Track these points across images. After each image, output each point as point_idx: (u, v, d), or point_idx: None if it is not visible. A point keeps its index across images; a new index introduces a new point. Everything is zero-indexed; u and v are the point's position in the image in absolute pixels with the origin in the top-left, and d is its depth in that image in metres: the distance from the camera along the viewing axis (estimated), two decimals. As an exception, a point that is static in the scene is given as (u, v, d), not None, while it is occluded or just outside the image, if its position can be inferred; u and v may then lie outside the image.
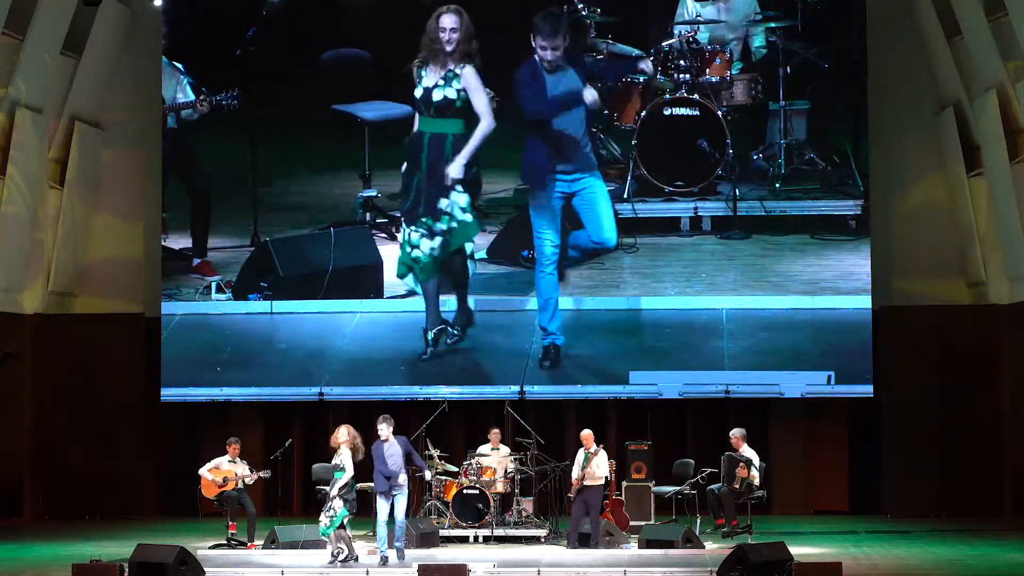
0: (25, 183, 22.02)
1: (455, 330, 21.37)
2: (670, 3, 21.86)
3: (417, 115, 20.75)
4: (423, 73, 20.51)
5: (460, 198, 20.77)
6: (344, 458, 16.88)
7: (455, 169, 20.62)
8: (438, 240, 20.87)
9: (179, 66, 22.16)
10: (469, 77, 20.39)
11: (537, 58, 20.21)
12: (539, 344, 21.29)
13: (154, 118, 22.57)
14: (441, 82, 20.43)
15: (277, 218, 22.12)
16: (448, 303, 21.36)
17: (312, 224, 22.08)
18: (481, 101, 20.46)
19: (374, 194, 21.94)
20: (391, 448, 16.94)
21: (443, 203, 20.78)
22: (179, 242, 22.36)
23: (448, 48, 20.35)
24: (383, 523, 16.87)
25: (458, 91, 20.41)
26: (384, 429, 17.03)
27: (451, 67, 20.38)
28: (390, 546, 16.81)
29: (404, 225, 21.09)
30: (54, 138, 22.70)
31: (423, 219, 20.86)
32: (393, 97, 21.64)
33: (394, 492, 16.84)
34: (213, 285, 22.08)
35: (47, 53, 22.05)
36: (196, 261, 22.24)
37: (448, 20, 20.38)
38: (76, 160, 22.87)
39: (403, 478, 16.87)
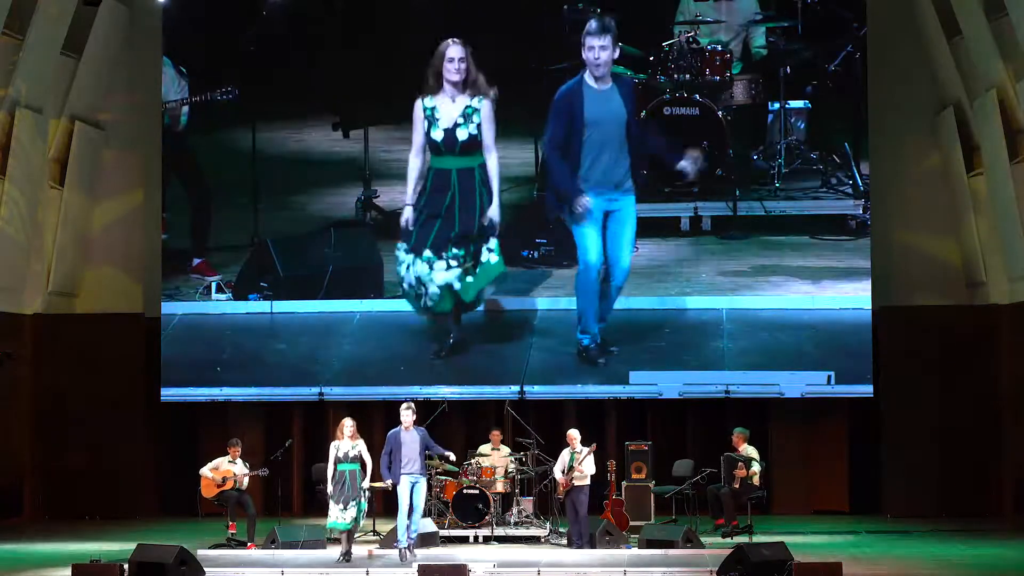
0: (25, 183, 22.02)
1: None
2: (670, 3, 21.86)
3: (430, 154, 20.50)
4: (436, 114, 20.38)
5: (492, 240, 20.76)
6: (363, 450, 17.26)
7: (494, 211, 20.60)
8: (456, 273, 20.80)
9: (183, 69, 22.15)
10: (486, 111, 20.37)
11: (587, 73, 20.23)
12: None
13: (154, 118, 22.56)
14: (461, 120, 20.38)
15: (277, 218, 22.12)
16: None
17: (312, 224, 22.08)
18: (491, 134, 20.47)
19: (374, 194, 21.94)
20: (409, 436, 17.19)
21: (474, 241, 20.73)
22: (179, 242, 22.36)
23: (457, 77, 20.31)
24: (405, 513, 17.10)
25: (477, 125, 20.40)
26: (408, 417, 17.25)
27: (468, 103, 20.34)
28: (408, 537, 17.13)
29: (416, 252, 20.80)
30: (54, 138, 22.70)
31: (451, 251, 20.75)
32: (394, 96, 21.60)
33: (412, 480, 17.12)
34: (213, 285, 22.08)
35: (47, 53, 22.05)
36: (196, 261, 22.25)
37: (454, 51, 20.31)
38: (76, 160, 22.87)
39: (419, 466, 17.20)
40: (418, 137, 20.60)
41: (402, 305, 21.70)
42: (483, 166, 20.53)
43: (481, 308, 21.42)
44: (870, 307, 21.39)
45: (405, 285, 20.99)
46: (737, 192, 21.59)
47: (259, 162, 22.11)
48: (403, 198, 21.57)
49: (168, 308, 22.15)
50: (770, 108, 21.78)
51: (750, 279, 21.53)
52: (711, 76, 21.61)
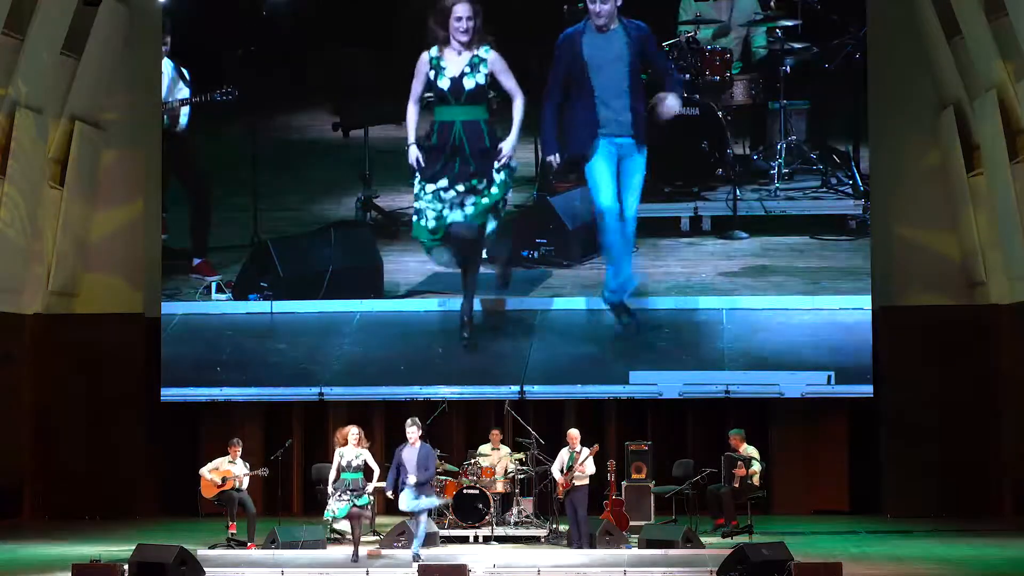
0: (25, 183, 22.03)
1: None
2: (670, 3, 21.86)
3: (437, 105, 20.61)
4: (442, 63, 20.48)
5: (504, 172, 20.80)
6: (368, 458, 17.28)
7: (509, 146, 20.58)
8: (486, 202, 20.83)
9: (184, 70, 22.15)
10: (495, 60, 20.46)
11: (593, 20, 20.37)
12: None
13: (154, 118, 22.57)
14: (468, 69, 20.44)
15: (277, 218, 22.12)
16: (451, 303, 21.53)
17: (312, 224, 22.08)
18: (511, 80, 20.50)
19: (374, 194, 21.94)
20: (412, 453, 17.19)
21: (486, 179, 20.72)
22: (179, 242, 22.36)
23: (464, 38, 20.38)
24: (412, 521, 17.17)
25: (486, 75, 20.45)
26: (411, 432, 17.24)
27: (474, 52, 20.40)
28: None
29: (435, 195, 20.74)
30: (54, 138, 22.70)
31: (468, 194, 20.75)
32: (393, 96, 21.61)
33: (414, 496, 17.11)
34: (213, 285, 22.08)
35: (47, 53, 22.05)
36: (196, 261, 22.25)
37: (462, 9, 20.38)
38: (76, 160, 22.87)
39: (415, 480, 17.09)
40: (418, 87, 20.65)
41: (402, 305, 21.73)
42: (488, 121, 20.55)
43: (481, 308, 21.48)
44: (870, 307, 21.39)
45: (431, 221, 20.87)
46: (737, 192, 21.60)
47: (259, 162, 22.11)
48: (404, 198, 21.65)
49: (168, 308, 22.15)
50: (770, 108, 21.78)
51: (750, 279, 21.52)
52: (711, 76, 21.61)
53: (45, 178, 22.61)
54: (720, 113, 21.53)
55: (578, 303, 21.48)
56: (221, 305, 22.02)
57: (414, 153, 20.71)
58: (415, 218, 21.05)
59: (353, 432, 17.37)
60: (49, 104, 22.40)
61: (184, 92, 22.16)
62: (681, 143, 21.38)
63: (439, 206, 20.78)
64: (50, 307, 22.91)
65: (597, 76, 20.46)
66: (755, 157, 21.91)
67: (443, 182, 20.75)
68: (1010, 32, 20.49)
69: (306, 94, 22.22)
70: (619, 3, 20.44)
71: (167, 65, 22.25)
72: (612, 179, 20.65)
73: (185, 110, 22.17)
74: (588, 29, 20.49)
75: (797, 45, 21.56)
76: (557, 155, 20.63)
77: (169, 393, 22.03)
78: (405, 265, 21.69)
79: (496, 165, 20.68)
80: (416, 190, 20.96)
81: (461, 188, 20.73)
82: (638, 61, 20.57)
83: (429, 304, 21.68)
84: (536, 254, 21.67)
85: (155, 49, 22.52)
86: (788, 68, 21.54)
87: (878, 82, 21.82)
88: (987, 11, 20.94)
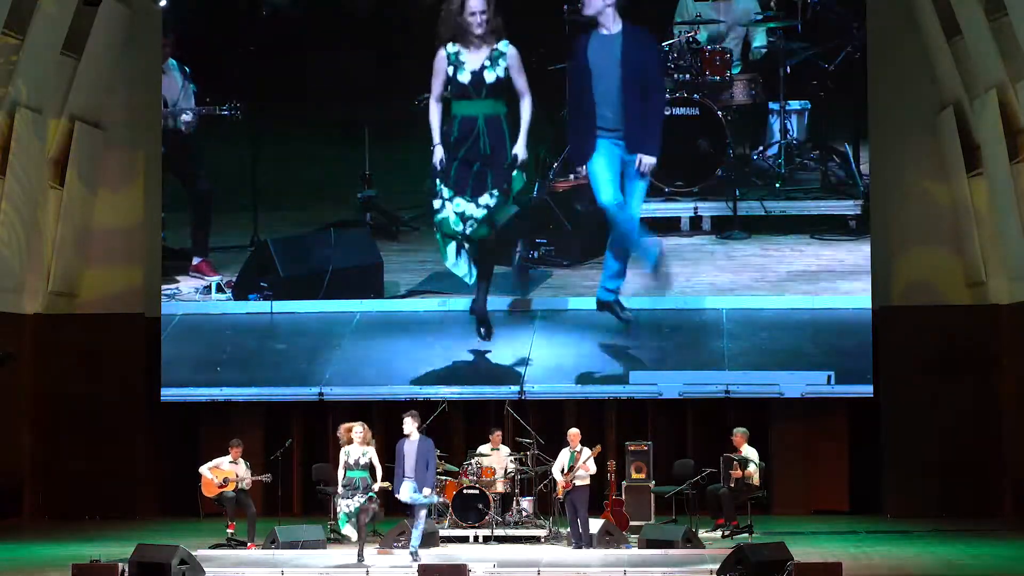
0: (25, 183, 22.02)
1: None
2: (670, 3, 21.87)
3: (455, 99, 20.57)
4: (461, 58, 20.42)
5: (519, 177, 20.83)
6: (373, 456, 17.09)
7: (522, 149, 20.60)
8: (496, 200, 20.82)
9: (187, 70, 22.15)
10: (513, 56, 20.43)
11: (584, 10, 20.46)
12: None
13: (154, 118, 22.57)
14: (488, 63, 20.39)
15: (277, 218, 22.13)
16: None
17: (312, 224, 22.09)
18: (523, 80, 20.51)
19: (374, 194, 21.95)
20: (409, 446, 17.10)
21: (502, 183, 20.76)
22: (179, 242, 22.36)
23: (480, 31, 20.32)
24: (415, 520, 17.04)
25: (505, 69, 20.40)
26: (407, 425, 17.14)
27: (493, 46, 20.35)
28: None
29: (451, 201, 20.79)
30: (54, 138, 22.70)
31: (482, 195, 20.76)
32: (394, 96, 21.63)
33: (412, 488, 17.01)
34: (213, 285, 22.08)
35: (47, 53, 22.04)
36: (196, 261, 22.25)
37: (475, 4, 20.33)
38: (76, 160, 22.87)
39: (422, 477, 16.99)
40: (438, 86, 20.65)
41: (402, 305, 21.74)
42: (508, 115, 20.52)
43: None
44: (870, 307, 21.40)
45: (447, 225, 20.86)
46: (737, 192, 21.60)
47: (259, 162, 22.12)
48: (403, 198, 21.64)
49: (168, 308, 22.15)
50: (770, 108, 21.79)
51: (750, 279, 21.52)
52: (711, 76, 21.62)
53: (45, 178, 22.61)
54: (720, 113, 21.53)
55: (578, 303, 21.48)
56: (221, 305, 22.03)
57: (439, 154, 20.71)
58: (440, 215, 20.97)
59: (358, 429, 17.24)
60: (49, 104, 22.39)
61: (189, 95, 22.10)
62: (681, 143, 21.39)
63: (462, 226, 20.73)
64: (50, 307, 22.91)
65: (597, 79, 20.43)
66: (755, 157, 21.92)
67: (465, 203, 20.65)
68: (1010, 32, 20.48)
69: (306, 94, 22.22)
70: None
71: (173, 68, 22.21)
72: (612, 175, 20.61)
73: (184, 115, 22.12)
74: (593, 34, 20.41)
75: (797, 45, 21.54)
76: (586, 166, 20.71)
77: (169, 393, 22.03)
78: (405, 265, 21.70)
79: (515, 172, 20.69)
80: (439, 204, 20.89)
81: (484, 201, 20.69)
82: (635, 67, 20.48)
83: (429, 304, 21.69)
84: (536, 254, 21.68)
85: (155, 49, 22.53)
86: (788, 68, 21.54)
87: (878, 82, 21.83)
88: (987, 11, 20.93)
